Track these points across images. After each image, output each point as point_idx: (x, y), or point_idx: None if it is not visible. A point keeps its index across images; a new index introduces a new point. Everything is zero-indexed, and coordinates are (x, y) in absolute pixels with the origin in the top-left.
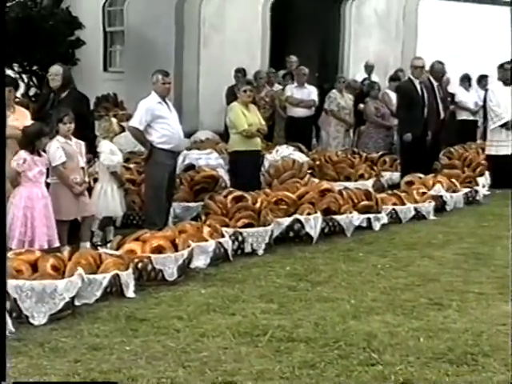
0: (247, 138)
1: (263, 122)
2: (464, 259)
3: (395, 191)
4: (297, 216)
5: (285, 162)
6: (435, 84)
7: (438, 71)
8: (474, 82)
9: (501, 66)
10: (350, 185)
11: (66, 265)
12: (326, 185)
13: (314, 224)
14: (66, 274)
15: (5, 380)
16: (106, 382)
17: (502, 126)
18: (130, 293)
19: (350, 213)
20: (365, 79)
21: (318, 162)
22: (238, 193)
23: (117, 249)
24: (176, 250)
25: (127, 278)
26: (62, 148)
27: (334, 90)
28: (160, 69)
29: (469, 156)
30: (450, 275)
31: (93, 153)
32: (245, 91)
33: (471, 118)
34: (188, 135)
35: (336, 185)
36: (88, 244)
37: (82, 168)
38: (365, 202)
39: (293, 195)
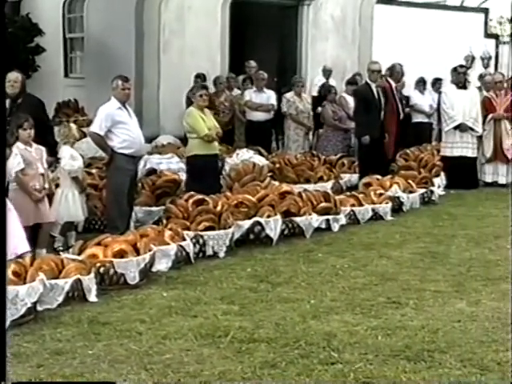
0: (207, 142)
1: (218, 126)
2: (420, 258)
3: (353, 193)
4: (257, 218)
5: (245, 165)
6: (393, 85)
7: (397, 72)
8: (428, 85)
9: (454, 70)
10: (310, 187)
11: (27, 270)
12: (285, 187)
13: (273, 226)
14: (27, 280)
15: (5, 380)
16: (104, 382)
17: (455, 127)
18: (92, 297)
19: (310, 215)
20: (324, 84)
21: (277, 165)
22: (199, 196)
23: (79, 254)
24: (138, 253)
25: (89, 282)
26: (20, 155)
27: (291, 93)
28: (120, 74)
29: (424, 157)
30: (407, 274)
31: (54, 157)
32: (200, 96)
33: (426, 120)
34: (149, 140)
35: (296, 187)
36: (44, 251)
37: (42, 174)
38: (324, 204)
39: (253, 198)
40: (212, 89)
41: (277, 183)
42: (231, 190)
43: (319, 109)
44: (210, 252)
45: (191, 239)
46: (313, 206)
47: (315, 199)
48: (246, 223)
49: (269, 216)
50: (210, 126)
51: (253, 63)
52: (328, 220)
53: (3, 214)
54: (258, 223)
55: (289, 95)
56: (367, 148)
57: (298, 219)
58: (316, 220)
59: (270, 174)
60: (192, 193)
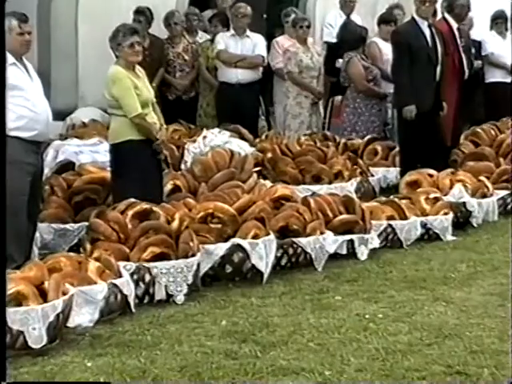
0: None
1: (152, 93)
2: (500, 303)
3: (392, 198)
4: (237, 240)
5: (217, 155)
6: (454, 27)
7: (461, 6)
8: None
9: None
10: (321, 189)
11: None
12: (282, 190)
13: (264, 252)
14: None
15: (5, 380)
16: (103, 382)
17: None
18: None
19: (322, 233)
20: (345, 23)
21: (269, 155)
22: (144, 206)
23: None
24: (45, 299)
25: None
26: None
27: (289, 39)
28: (14, 11)
29: (505, 140)
30: (479, 328)
31: None
32: (131, 46)
33: (508, 79)
34: (61, 116)
35: (299, 189)
36: None
37: None
38: (344, 217)
39: (230, 208)
40: (161, 32)
41: (268, 183)
42: (195, 195)
43: (339, 62)
44: (161, 295)
45: (131, 274)
46: (327, 220)
47: (330, 209)
48: (220, 248)
49: (256, 236)
50: (146, 98)
51: None
52: (351, 242)
53: (3, 213)
54: (239, 248)
55: (286, 41)
56: (413, 126)
57: (303, 241)
58: (332, 242)
59: (257, 170)
60: (132, 200)
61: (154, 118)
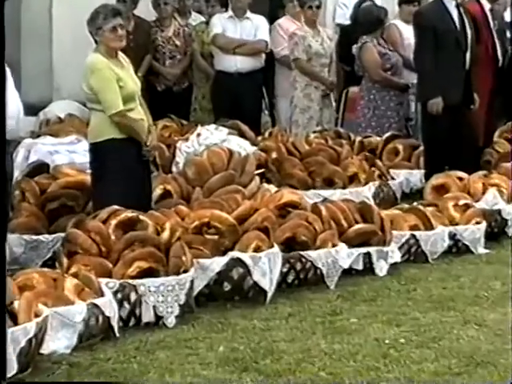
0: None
1: (139, 84)
2: None
3: (416, 204)
4: (237, 254)
5: (214, 155)
6: (487, 7)
7: None
8: None
9: None
10: (334, 194)
11: None
12: (289, 196)
13: (267, 267)
14: None
15: (5, 380)
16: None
17: None
18: None
19: (334, 246)
20: (359, 2)
21: (274, 155)
22: (129, 214)
23: None
24: (15, 322)
25: None
26: None
27: (294, 22)
28: None
29: None
30: None
31: None
32: (113, 29)
33: None
34: (34, 111)
35: (308, 195)
36: None
37: None
38: (360, 226)
39: (229, 216)
40: (148, 14)
41: (273, 188)
42: (188, 202)
43: (354, 48)
44: (149, 317)
45: (115, 293)
46: (340, 231)
47: (344, 217)
48: (217, 263)
49: (258, 249)
50: (131, 91)
51: None
52: (369, 255)
53: (4, 216)
54: (239, 262)
55: (290, 24)
56: (439, 122)
57: (312, 254)
58: (347, 256)
59: (259, 172)
60: (116, 208)
61: (140, 113)
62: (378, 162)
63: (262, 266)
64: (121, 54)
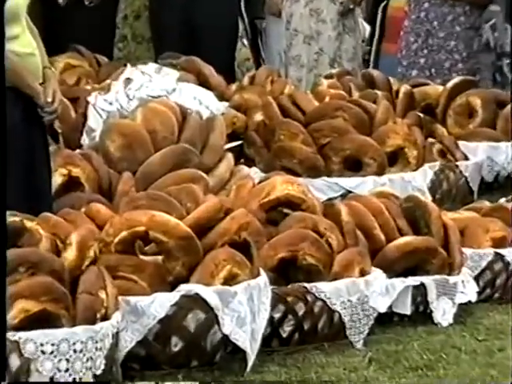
0: None
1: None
2: None
3: (504, 202)
4: (194, 287)
5: (154, 116)
6: None
7: None
8: None
9: None
10: (362, 185)
11: None
12: (284, 187)
13: (247, 311)
14: None
15: (5, 380)
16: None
17: None
18: None
19: (363, 273)
20: None
21: (259, 116)
22: (10, 218)
23: None
24: None
25: None
26: None
27: None
28: None
29: None
30: None
31: None
32: None
33: None
34: None
35: (317, 185)
36: None
37: None
38: (408, 239)
39: (181, 222)
40: None
41: (257, 174)
42: (111, 198)
43: None
44: None
45: None
46: (374, 248)
47: (381, 224)
48: (161, 304)
49: (233, 279)
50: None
51: None
52: (423, 290)
53: (3, 215)
54: (200, 302)
55: None
56: None
57: (325, 288)
58: (384, 291)
59: (234, 146)
60: None
61: (30, 44)
62: (440, 129)
63: (237, 308)
64: None
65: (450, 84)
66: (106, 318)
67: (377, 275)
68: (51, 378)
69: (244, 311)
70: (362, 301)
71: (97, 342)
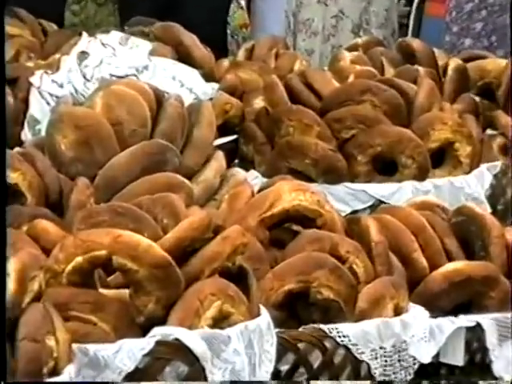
0: None
1: None
2: None
3: None
4: (174, 331)
5: (119, 102)
6: None
7: None
8: None
9: None
10: (398, 192)
11: None
12: (293, 196)
13: (245, 361)
14: None
15: (5, 380)
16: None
17: None
18: None
19: (399, 311)
20: None
21: (259, 102)
22: None
23: None
24: None
25: None
26: None
27: None
28: None
29: None
30: None
31: None
32: None
33: None
34: None
35: (336, 193)
36: None
37: None
38: (459, 265)
39: (154, 244)
40: None
41: (256, 178)
42: (61, 213)
43: None
44: None
45: None
46: (414, 276)
47: (423, 244)
48: (130, 355)
49: (224, 319)
50: None
51: None
52: (478, 333)
53: (3, 213)
54: (180, 350)
55: None
56: None
57: (348, 330)
58: (428, 334)
59: (226, 141)
60: None
61: None
62: (503, 118)
63: (231, 358)
64: None
65: None
66: (55, 372)
67: (417, 314)
68: None
69: (240, 362)
70: (398, 348)
71: None
